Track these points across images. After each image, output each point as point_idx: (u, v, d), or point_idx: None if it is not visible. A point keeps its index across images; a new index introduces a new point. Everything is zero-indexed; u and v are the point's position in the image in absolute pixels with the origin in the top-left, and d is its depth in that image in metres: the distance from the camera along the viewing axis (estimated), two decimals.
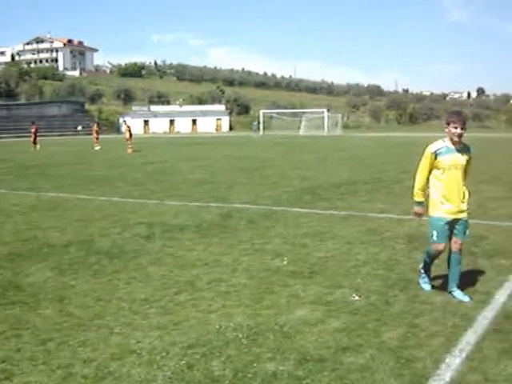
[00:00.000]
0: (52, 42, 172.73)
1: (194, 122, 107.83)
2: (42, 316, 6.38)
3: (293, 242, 9.99)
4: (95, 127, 48.61)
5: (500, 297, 6.96)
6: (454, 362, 5.09)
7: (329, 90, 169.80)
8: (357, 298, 6.91)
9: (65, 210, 13.92)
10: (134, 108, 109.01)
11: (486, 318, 6.23)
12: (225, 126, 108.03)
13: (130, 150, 39.12)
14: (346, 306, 6.59)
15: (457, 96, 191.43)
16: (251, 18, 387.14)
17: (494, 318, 6.21)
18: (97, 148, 44.03)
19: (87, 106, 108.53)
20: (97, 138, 46.41)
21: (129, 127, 42.82)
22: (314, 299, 6.87)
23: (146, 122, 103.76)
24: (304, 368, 4.96)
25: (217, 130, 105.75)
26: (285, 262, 8.60)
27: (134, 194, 16.70)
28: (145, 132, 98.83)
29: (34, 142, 47.63)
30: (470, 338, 5.64)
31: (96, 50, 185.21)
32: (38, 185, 19.74)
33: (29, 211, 13.86)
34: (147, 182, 20.07)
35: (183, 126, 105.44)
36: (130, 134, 41.50)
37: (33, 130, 49.15)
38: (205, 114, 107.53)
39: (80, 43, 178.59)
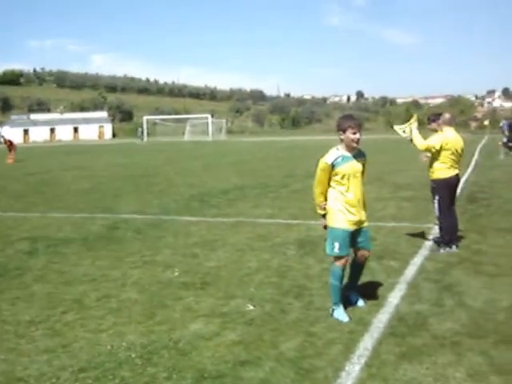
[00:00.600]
0: None
1: (76, 129, 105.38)
2: None
3: (183, 253, 9.77)
4: None
5: (393, 299, 7.03)
6: (353, 369, 5.06)
7: (212, 95, 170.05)
8: (251, 307, 6.79)
9: None
10: (12, 117, 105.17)
11: (381, 321, 6.26)
12: (108, 134, 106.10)
13: (10, 160, 37.42)
14: (241, 317, 6.46)
15: (337, 99, 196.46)
16: (132, 23, 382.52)
17: (388, 322, 6.25)
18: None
19: None
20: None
21: (8, 141, 40.52)
22: (208, 311, 6.69)
23: (25, 131, 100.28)
24: None
25: (99, 137, 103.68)
26: (176, 274, 8.38)
27: (15, 207, 15.93)
28: (24, 141, 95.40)
29: None
30: (367, 343, 5.63)
31: None
32: None
33: None
34: (29, 194, 19.20)
35: (65, 134, 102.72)
36: (10, 146, 39.45)
37: None
38: (87, 121, 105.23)
39: None
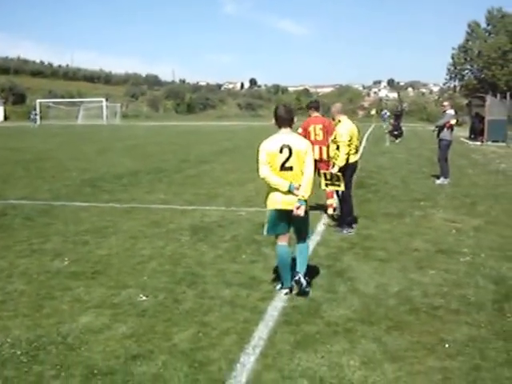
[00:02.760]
0: None
1: None
2: None
3: (73, 240, 9.44)
4: None
5: None
6: (248, 360, 4.99)
7: (107, 79, 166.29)
8: (144, 297, 6.62)
9: None
10: None
11: (275, 309, 6.24)
12: None
13: None
14: (133, 308, 6.28)
15: (231, 86, 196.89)
16: (25, 3, 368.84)
17: (282, 309, 6.24)
18: None
19: None
20: None
21: None
22: (98, 302, 6.47)
23: None
24: None
25: None
26: (65, 263, 8.07)
27: None
28: None
29: None
30: (262, 332, 5.60)
31: None
32: None
33: None
34: None
35: None
36: None
37: None
38: None
39: None
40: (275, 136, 6.75)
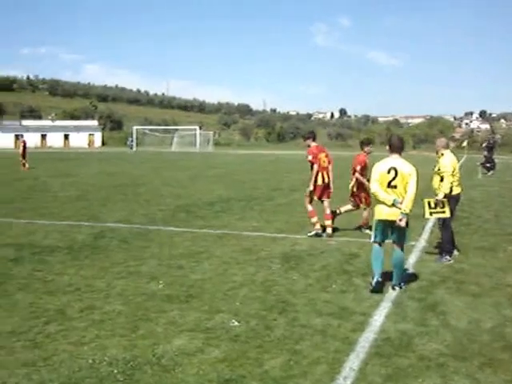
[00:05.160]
0: None
1: (67, 137, 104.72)
2: None
3: (168, 264, 9.70)
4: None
5: (378, 318, 7.00)
6: None
7: (200, 107, 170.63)
8: (236, 323, 6.73)
9: None
10: (4, 122, 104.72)
11: (366, 340, 6.21)
12: (97, 142, 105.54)
13: (26, 166, 35.92)
14: (225, 333, 6.39)
15: (321, 116, 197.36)
16: (125, 34, 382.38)
17: (374, 341, 6.20)
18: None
19: None
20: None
21: (24, 142, 39.01)
22: (192, 326, 6.63)
23: (16, 137, 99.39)
24: None
25: (89, 145, 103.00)
26: (160, 286, 8.30)
27: (1, 213, 15.78)
28: (15, 147, 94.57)
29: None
30: (353, 363, 5.58)
31: None
32: None
33: None
34: (16, 200, 19.01)
35: (55, 140, 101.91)
36: (24, 150, 37.80)
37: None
38: (77, 129, 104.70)
39: None
40: (386, 159, 8.35)
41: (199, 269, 9.39)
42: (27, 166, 36.26)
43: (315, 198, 12.69)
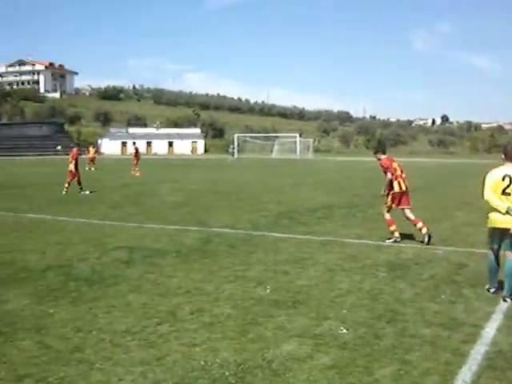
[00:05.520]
0: (34, 65, 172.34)
1: (171, 144, 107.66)
2: (19, 348, 6.08)
3: (274, 269, 9.79)
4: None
5: (490, 330, 6.81)
6: None
7: (300, 115, 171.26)
8: (344, 330, 6.71)
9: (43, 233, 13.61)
10: (111, 130, 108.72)
11: (478, 353, 6.05)
12: (200, 149, 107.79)
13: (137, 173, 37.08)
14: (334, 340, 6.38)
15: (422, 122, 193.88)
16: (225, 44, 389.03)
17: (486, 354, 6.03)
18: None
19: (67, 127, 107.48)
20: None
21: (137, 149, 40.45)
22: (300, 332, 6.65)
23: (123, 144, 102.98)
24: None
25: (192, 152, 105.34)
26: (267, 291, 8.38)
27: (112, 217, 16.38)
28: (122, 153, 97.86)
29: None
30: (465, 376, 5.45)
31: (76, 73, 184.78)
32: (17, 205, 19.32)
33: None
34: (125, 205, 19.71)
35: (160, 147, 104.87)
36: (137, 156, 39.28)
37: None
38: (181, 136, 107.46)
39: (61, 66, 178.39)
40: (501, 167, 8.36)
41: (305, 275, 9.42)
42: (138, 171, 37.45)
43: (394, 206, 12.73)
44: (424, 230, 12.35)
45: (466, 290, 8.60)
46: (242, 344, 6.21)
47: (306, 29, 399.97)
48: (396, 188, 12.59)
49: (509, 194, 8.14)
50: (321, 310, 7.47)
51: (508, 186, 8.14)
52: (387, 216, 12.82)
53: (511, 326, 6.97)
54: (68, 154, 26.39)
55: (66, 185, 23.95)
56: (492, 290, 8.35)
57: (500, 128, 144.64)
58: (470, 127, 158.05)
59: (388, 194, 12.74)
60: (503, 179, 8.17)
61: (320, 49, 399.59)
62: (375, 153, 13.61)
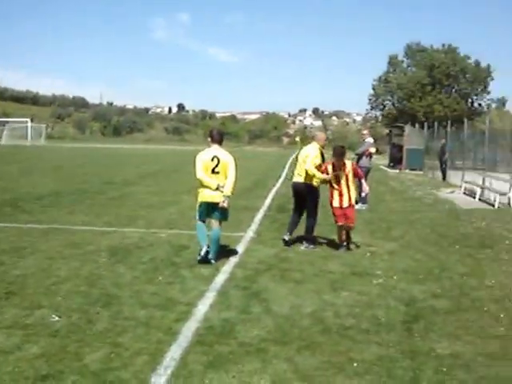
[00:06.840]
0: None
1: None
2: None
3: None
4: None
5: (202, 307, 7.10)
6: (159, 381, 5.00)
7: (34, 100, 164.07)
8: (57, 318, 6.56)
9: None
10: None
11: (189, 330, 6.27)
12: None
13: None
14: (45, 329, 6.20)
15: (159, 110, 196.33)
16: None
17: (197, 330, 6.27)
18: None
19: None
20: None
21: None
22: (10, 323, 6.36)
23: None
24: None
25: None
26: None
27: None
28: None
29: None
30: (174, 353, 5.60)
31: None
32: None
33: None
34: None
35: None
36: None
37: None
38: None
39: None
40: (209, 149, 9.50)
41: (22, 264, 9.02)
42: None
43: None
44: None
45: (183, 270, 8.86)
46: None
47: (48, 7, 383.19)
48: None
49: (218, 173, 9.33)
50: (34, 299, 7.22)
51: (216, 166, 9.32)
52: None
53: (223, 303, 7.32)
54: None
55: None
56: (204, 250, 9.31)
57: (233, 117, 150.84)
58: (205, 116, 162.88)
59: None
60: (212, 159, 9.34)
61: (56, 31, 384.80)
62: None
